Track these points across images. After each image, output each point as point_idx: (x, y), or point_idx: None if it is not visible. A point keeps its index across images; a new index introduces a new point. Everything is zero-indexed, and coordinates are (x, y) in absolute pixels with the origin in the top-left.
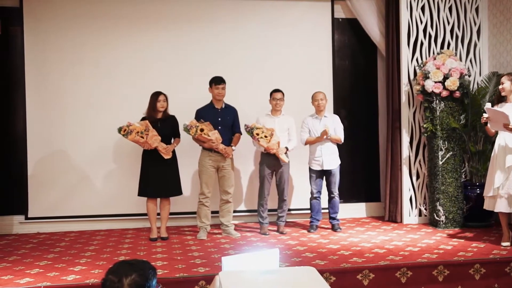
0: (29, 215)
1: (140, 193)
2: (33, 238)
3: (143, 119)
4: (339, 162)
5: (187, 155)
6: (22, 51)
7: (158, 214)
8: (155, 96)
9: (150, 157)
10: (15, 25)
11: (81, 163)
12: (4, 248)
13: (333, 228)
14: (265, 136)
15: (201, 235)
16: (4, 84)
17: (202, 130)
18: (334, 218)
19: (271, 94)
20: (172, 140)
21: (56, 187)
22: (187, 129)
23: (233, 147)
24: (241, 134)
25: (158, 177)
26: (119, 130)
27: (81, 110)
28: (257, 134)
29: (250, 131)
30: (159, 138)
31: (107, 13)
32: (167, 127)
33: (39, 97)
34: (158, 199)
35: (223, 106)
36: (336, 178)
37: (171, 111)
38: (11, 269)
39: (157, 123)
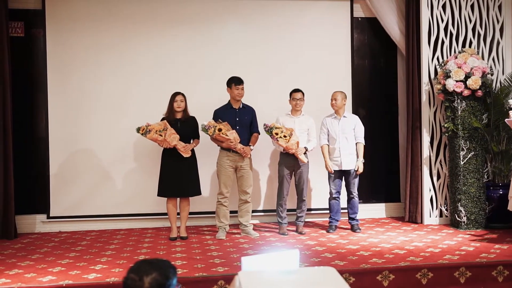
0: (51, 214)
1: (160, 194)
2: (55, 237)
3: (162, 119)
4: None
5: (206, 155)
6: (44, 52)
7: (178, 213)
8: (173, 96)
9: (169, 157)
10: (38, 27)
11: (101, 163)
12: (27, 246)
13: (352, 229)
14: (284, 136)
15: (220, 235)
16: (26, 85)
17: (220, 130)
18: (353, 219)
19: (290, 94)
20: (191, 141)
21: (77, 187)
22: (205, 129)
23: (251, 147)
24: (259, 133)
25: (177, 177)
26: (138, 129)
27: (102, 111)
28: (276, 134)
29: (269, 130)
30: (178, 136)
31: (129, 15)
32: (187, 127)
33: (61, 98)
34: (178, 199)
35: (241, 106)
36: (355, 179)
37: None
38: (34, 267)
39: (177, 124)
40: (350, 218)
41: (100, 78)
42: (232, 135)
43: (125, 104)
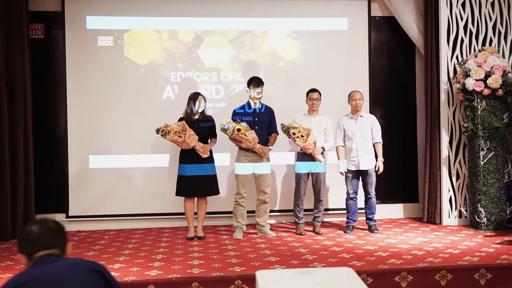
0: (70, 214)
1: (178, 193)
2: (74, 236)
3: (180, 119)
4: (375, 162)
5: (224, 155)
6: (64, 54)
7: (195, 213)
8: (193, 97)
9: (187, 157)
10: (57, 28)
11: (119, 163)
12: None
13: (370, 229)
14: (301, 136)
15: (237, 234)
16: (46, 86)
17: (239, 130)
18: (371, 219)
19: (307, 94)
20: (209, 140)
21: (95, 186)
22: (224, 129)
23: (270, 147)
24: (277, 134)
25: (195, 177)
26: (157, 131)
27: (120, 111)
28: (294, 134)
29: (286, 130)
30: (197, 137)
31: (148, 15)
32: (205, 127)
33: (79, 98)
34: (195, 198)
35: (260, 107)
36: (373, 179)
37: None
38: None
39: (195, 124)
40: (367, 219)
41: (119, 79)
42: (251, 136)
43: (144, 104)
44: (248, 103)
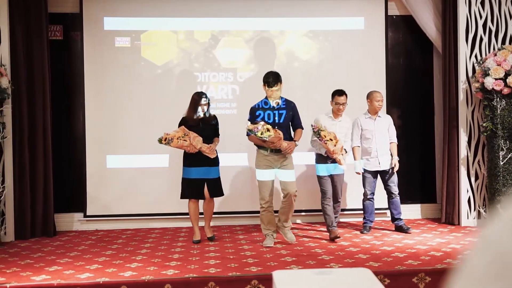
0: (88, 213)
1: (182, 196)
2: (92, 235)
3: (182, 119)
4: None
5: (241, 155)
6: (82, 54)
7: (201, 213)
8: (197, 97)
9: (191, 160)
10: (76, 30)
11: (137, 163)
12: (65, 244)
13: (402, 229)
14: (330, 139)
15: (268, 242)
16: (64, 86)
17: (268, 130)
18: (399, 219)
19: (333, 95)
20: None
21: (113, 186)
22: (253, 132)
23: (296, 143)
24: (302, 129)
25: (200, 180)
26: (159, 140)
27: (137, 111)
28: (325, 136)
29: (317, 132)
30: (201, 138)
31: (164, 16)
32: (209, 127)
33: (97, 99)
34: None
35: (280, 104)
36: (394, 176)
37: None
38: (72, 264)
39: (199, 124)
40: (395, 219)
41: (136, 79)
42: (281, 133)
43: (161, 104)
44: (266, 99)
